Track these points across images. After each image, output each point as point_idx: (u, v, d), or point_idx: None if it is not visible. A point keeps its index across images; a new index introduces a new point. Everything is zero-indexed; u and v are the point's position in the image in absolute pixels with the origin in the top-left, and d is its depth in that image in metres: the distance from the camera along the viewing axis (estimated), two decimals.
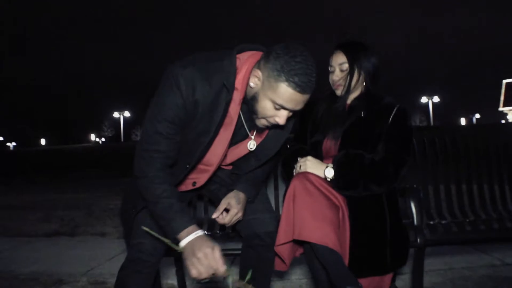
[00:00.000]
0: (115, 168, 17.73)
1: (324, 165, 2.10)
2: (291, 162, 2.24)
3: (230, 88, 1.71)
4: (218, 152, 1.89)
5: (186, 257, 1.60)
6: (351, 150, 2.13)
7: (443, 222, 2.74)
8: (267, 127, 1.84)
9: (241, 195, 2.04)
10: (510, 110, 58.83)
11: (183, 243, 1.62)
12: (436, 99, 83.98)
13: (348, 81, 2.22)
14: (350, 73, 2.22)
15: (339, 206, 2.00)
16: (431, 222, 2.72)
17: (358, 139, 2.18)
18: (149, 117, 1.74)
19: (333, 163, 2.09)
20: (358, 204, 2.05)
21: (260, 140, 1.98)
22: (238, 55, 1.77)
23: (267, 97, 1.67)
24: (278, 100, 1.65)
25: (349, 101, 2.30)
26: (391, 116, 2.17)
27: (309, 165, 2.11)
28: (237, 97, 1.77)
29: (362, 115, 2.22)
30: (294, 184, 1.99)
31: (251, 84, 1.72)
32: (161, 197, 1.69)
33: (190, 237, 1.62)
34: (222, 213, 2.01)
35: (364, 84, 2.26)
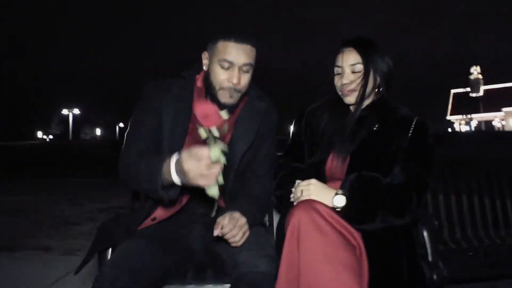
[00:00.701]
0: (62, 166, 16.85)
1: (332, 191, 1.73)
2: (287, 185, 1.84)
3: (189, 77, 1.94)
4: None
5: (185, 180, 1.52)
6: (364, 172, 1.78)
7: (459, 247, 2.48)
8: (230, 100, 1.84)
9: (235, 215, 1.74)
10: (457, 118, 61.01)
11: (173, 175, 1.55)
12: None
13: (363, 86, 1.88)
14: (365, 76, 1.88)
15: (356, 245, 1.60)
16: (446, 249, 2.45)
17: (371, 158, 1.85)
18: (128, 129, 1.89)
19: (342, 188, 1.71)
20: (373, 240, 1.66)
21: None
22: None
23: (214, 63, 1.82)
24: (220, 56, 1.79)
25: (358, 111, 1.95)
26: (411, 130, 1.86)
27: (314, 190, 1.72)
28: (200, 96, 1.90)
29: (375, 128, 1.90)
30: (298, 216, 1.58)
31: (204, 67, 1.90)
32: (141, 163, 1.68)
33: (172, 165, 1.55)
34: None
35: (377, 90, 1.94)
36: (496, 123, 50.63)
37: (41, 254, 4.26)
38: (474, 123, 51.92)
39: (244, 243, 1.73)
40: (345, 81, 1.90)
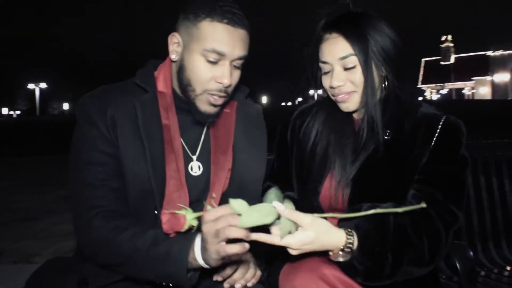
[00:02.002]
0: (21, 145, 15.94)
1: (338, 239, 1.23)
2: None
3: (148, 87, 1.41)
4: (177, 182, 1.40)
5: (210, 260, 1.19)
6: (376, 205, 1.30)
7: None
8: (214, 108, 1.39)
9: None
10: (428, 87, 61.71)
11: (199, 259, 1.21)
12: None
13: (364, 85, 1.39)
14: (364, 70, 1.38)
15: None
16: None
17: (382, 181, 1.41)
18: (71, 174, 1.38)
19: (347, 234, 1.25)
20: None
21: (218, 164, 1.46)
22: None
23: (194, 52, 1.33)
24: (208, 44, 1.30)
25: (361, 114, 1.48)
26: (435, 137, 1.38)
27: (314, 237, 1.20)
28: (166, 102, 1.42)
29: (387, 138, 1.42)
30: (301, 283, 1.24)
31: (173, 56, 1.39)
32: (134, 241, 1.26)
33: (197, 251, 1.21)
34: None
35: (384, 84, 1.44)
36: (466, 92, 51.35)
37: None
38: (444, 91, 52.46)
39: None
40: (336, 82, 1.41)
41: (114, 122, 1.35)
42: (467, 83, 49.69)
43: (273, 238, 1.15)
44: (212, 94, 1.35)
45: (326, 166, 1.48)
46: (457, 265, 1.55)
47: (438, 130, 1.39)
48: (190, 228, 1.23)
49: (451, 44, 51.35)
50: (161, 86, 1.43)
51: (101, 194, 1.33)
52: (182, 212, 1.23)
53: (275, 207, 1.14)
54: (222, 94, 1.36)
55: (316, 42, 1.46)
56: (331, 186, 1.45)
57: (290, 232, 1.14)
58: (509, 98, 41.60)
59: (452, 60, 50.38)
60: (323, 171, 1.48)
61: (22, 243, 4.25)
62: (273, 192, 1.17)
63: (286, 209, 1.14)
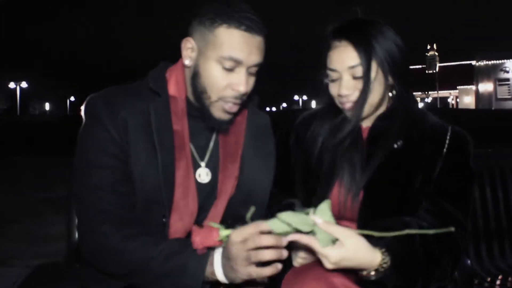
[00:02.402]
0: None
1: (374, 258, 1.21)
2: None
3: (161, 91, 1.39)
4: (190, 192, 1.38)
5: (236, 279, 1.17)
6: (403, 221, 1.36)
7: None
8: (228, 115, 1.38)
9: None
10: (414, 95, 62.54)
11: (219, 275, 1.19)
12: None
13: (370, 94, 1.42)
14: (365, 79, 1.40)
15: None
16: None
17: (394, 190, 1.43)
18: (77, 176, 1.35)
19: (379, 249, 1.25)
20: None
21: (227, 172, 1.45)
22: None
23: (210, 59, 1.31)
24: (224, 52, 1.29)
25: (369, 122, 1.51)
26: (445, 149, 1.44)
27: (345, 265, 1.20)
28: (178, 107, 1.40)
29: (397, 146, 1.45)
30: None
31: (187, 62, 1.37)
32: (147, 250, 1.23)
33: (217, 267, 1.19)
34: None
35: (391, 93, 1.49)
36: (451, 100, 52.16)
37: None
38: (429, 100, 53.23)
39: None
40: (345, 91, 1.42)
41: (126, 126, 1.33)
42: (452, 91, 50.56)
43: (314, 242, 1.14)
44: (227, 102, 1.35)
45: (335, 173, 1.48)
46: (456, 274, 1.58)
47: (447, 142, 1.44)
48: (220, 243, 1.20)
49: (436, 53, 52.15)
50: (172, 90, 1.41)
51: (110, 198, 1.31)
52: (213, 225, 1.21)
53: (313, 219, 1.15)
54: (237, 101, 1.36)
55: (324, 49, 1.47)
56: (340, 194, 1.46)
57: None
58: (493, 108, 42.33)
59: (437, 69, 51.15)
60: (331, 179, 1.49)
61: (2, 246, 4.19)
62: (326, 204, 1.17)
63: (325, 221, 1.14)
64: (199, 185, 1.41)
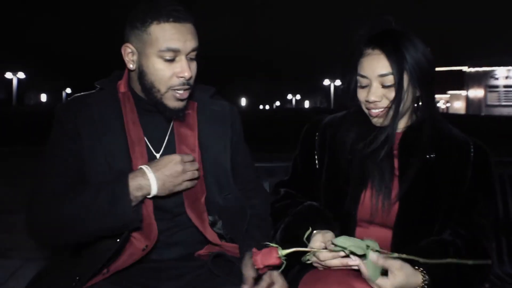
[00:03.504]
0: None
1: (417, 278, 1.27)
2: (294, 231, 1.42)
3: (105, 86, 1.50)
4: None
5: (163, 188, 1.36)
6: (439, 240, 1.39)
7: None
8: (181, 102, 1.45)
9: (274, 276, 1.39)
10: None
11: (153, 187, 1.35)
12: (338, 82, 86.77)
13: (397, 104, 1.41)
14: (400, 90, 1.40)
15: None
16: None
17: (429, 201, 1.44)
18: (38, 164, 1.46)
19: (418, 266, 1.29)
20: None
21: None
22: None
23: (150, 55, 1.38)
24: (161, 45, 1.37)
25: (399, 130, 1.51)
26: (470, 163, 1.45)
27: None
28: (125, 100, 1.48)
29: (429, 157, 1.46)
30: None
31: (131, 66, 1.44)
32: (79, 196, 1.34)
33: (147, 172, 1.36)
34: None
35: (417, 104, 1.49)
36: (441, 105, 52.01)
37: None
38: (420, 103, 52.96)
39: None
40: (373, 97, 1.42)
41: (78, 122, 1.43)
42: (443, 96, 50.45)
43: (366, 271, 1.21)
44: (177, 90, 1.42)
45: (365, 177, 1.47)
46: None
47: (472, 155, 1.45)
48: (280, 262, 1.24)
49: None
50: (122, 87, 1.51)
51: (61, 181, 1.39)
52: (272, 245, 1.26)
53: (370, 251, 1.22)
54: (186, 87, 1.42)
55: (356, 55, 1.47)
56: (372, 199, 1.45)
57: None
58: (482, 114, 42.44)
59: None
60: (362, 183, 1.47)
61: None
62: (376, 243, 1.24)
63: (380, 257, 1.22)
64: None
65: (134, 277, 1.42)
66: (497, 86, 45.63)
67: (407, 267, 1.24)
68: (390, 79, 1.39)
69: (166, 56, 1.38)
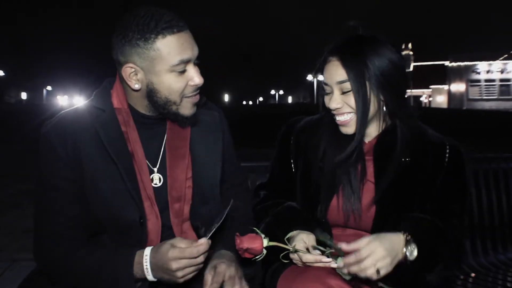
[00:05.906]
0: None
1: (398, 243, 1.34)
2: (275, 231, 1.47)
3: (105, 106, 1.44)
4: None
5: (167, 278, 1.31)
6: (414, 215, 1.48)
7: None
8: (195, 106, 1.46)
9: (220, 268, 1.39)
10: None
11: (148, 273, 1.31)
12: (321, 77, 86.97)
13: (360, 112, 1.43)
14: (356, 96, 1.42)
15: None
16: None
17: (403, 201, 1.51)
18: (35, 200, 1.46)
19: (405, 232, 1.37)
20: None
21: (175, 173, 1.49)
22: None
23: (161, 72, 1.35)
24: (173, 59, 1.34)
25: (369, 137, 1.56)
26: (446, 162, 1.52)
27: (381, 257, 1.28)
28: (122, 116, 1.44)
29: (404, 161, 1.50)
30: None
31: (136, 86, 1.39)
32: (87, 257, 1.38)
33: (146, 262, 1.31)
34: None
35: (385, 108, 1.51)
36: (424, 99, 52.49)
37: None
38: None
39: None
40: (334, 105, 1.46)
41: (76, 146, 1.39)
42: (425, 90, 50.92)
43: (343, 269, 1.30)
44: (190, 97, 1.42)
45: (335, 185, 1.52)
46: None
47: (447, 155, 1.52)
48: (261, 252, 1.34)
49: (411, 52, 52.58)
50: (116, 103, 1.47)
51: (58, 220, 1.40)
52: (257, 233, 1.35)
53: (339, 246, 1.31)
54: (198, 91, 1.44)
55: (322, 63, 1.52)
56: (343, 203, 1.51)
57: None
58: (464, 108, 42.94)
59: (411, 68, 51.61)
60: (333, 190, 1.52)
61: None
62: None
63: (347, 258, 1.29)
64: (155, 189, 1.47)
65: None
66: (478, 81, 46.20)
67: (379, 236, 1.30)
68: (347, 86, 1.42)
69: (178, 69, 1.36)
